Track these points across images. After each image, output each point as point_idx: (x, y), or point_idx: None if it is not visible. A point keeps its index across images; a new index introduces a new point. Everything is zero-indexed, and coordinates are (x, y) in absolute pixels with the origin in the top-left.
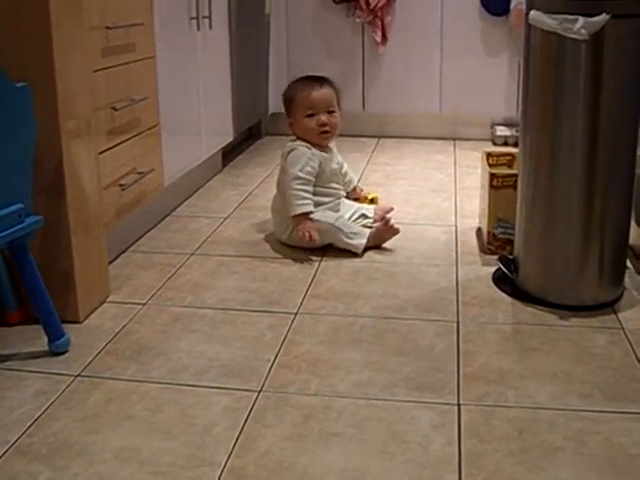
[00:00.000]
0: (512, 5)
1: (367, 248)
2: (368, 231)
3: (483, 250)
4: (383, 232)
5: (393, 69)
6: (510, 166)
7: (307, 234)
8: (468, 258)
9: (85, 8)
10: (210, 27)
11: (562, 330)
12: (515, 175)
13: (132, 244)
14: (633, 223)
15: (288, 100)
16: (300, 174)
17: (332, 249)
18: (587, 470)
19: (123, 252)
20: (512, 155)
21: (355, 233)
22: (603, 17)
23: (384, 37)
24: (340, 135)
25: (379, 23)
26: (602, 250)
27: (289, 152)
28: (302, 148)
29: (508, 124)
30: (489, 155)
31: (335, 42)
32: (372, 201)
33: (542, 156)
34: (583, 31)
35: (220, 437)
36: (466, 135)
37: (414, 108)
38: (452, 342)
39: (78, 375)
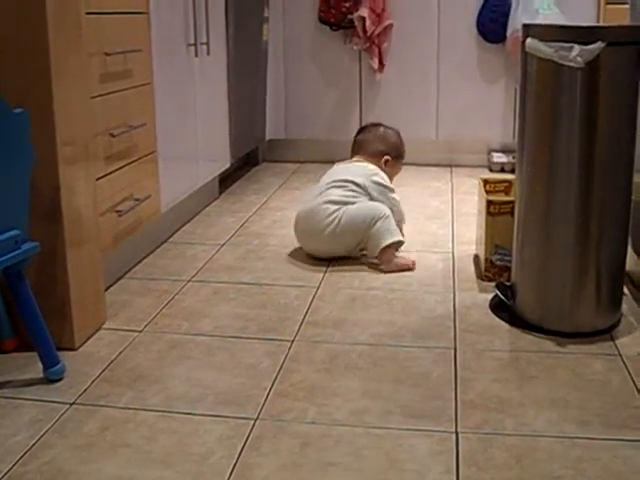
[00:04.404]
0: (509, 33)
1: (364, 271)
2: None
3: (480, 277)
4: (402, 262)
5: (390, 96)
6: (507, 193)
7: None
8: (465, 285)
9: (84, 34)
10: (208, 53)
11: (560, 357)
12: (512, 202)
13: (128, 270)
14: (630, 249)
15: (400, 155)
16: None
17: (329, 274)
18: None
19: (119, 279)
20: (509, 182)
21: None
22: (598, 45)
23: (381, 64)
24: (338, 161)
25: (376, 50)
26: (599, 277)
27: (376, 173)
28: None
29: (505, 151)
30: (486, 182)
31: (332, 69)
32: None
33: (538, 183)
34: (579, 59)
35: (216, 466)
36: (463, 162)
37: (411, 134)
38: (449, 369)
39: (73, 403)
